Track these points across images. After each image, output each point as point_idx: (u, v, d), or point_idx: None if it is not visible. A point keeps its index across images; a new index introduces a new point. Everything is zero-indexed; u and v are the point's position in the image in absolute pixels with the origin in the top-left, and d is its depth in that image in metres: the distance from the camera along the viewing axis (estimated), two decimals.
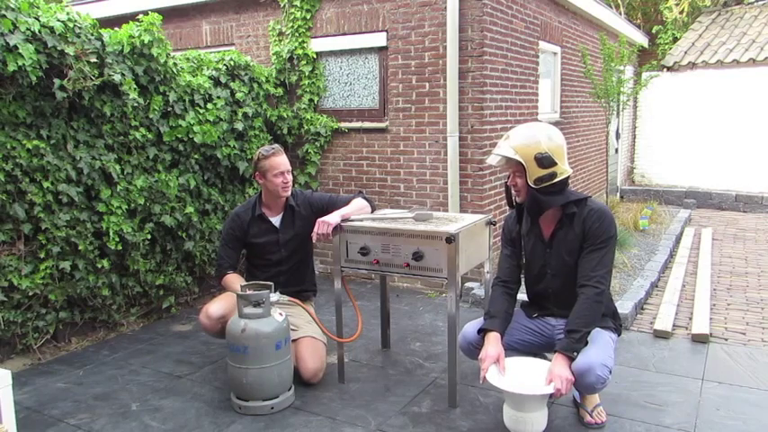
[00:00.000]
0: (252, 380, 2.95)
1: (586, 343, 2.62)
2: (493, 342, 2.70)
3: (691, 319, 4.27)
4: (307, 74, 5.51)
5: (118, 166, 4.01)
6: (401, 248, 3.01)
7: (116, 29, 4.06)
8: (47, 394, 3.31)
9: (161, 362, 3.74)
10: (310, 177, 5.63)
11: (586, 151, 8.09)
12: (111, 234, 3.93)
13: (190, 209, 4.50)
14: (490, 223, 3.33)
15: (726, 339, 3.94)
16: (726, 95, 9.75)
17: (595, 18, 7.67)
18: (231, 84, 4.96)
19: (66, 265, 3.76)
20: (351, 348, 3.83)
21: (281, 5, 5.55)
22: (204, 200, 4.77)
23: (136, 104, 4.06)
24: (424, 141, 5.12)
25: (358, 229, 3.13)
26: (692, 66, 10.21)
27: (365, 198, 3.46)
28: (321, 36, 5.46)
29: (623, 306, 4.22)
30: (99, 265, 3.94)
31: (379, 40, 5.20)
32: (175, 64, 4.45)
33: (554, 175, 2.65)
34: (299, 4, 5.42)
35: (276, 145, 3.49)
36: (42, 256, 3.68)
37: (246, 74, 5.13)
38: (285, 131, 5.55)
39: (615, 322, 2.87)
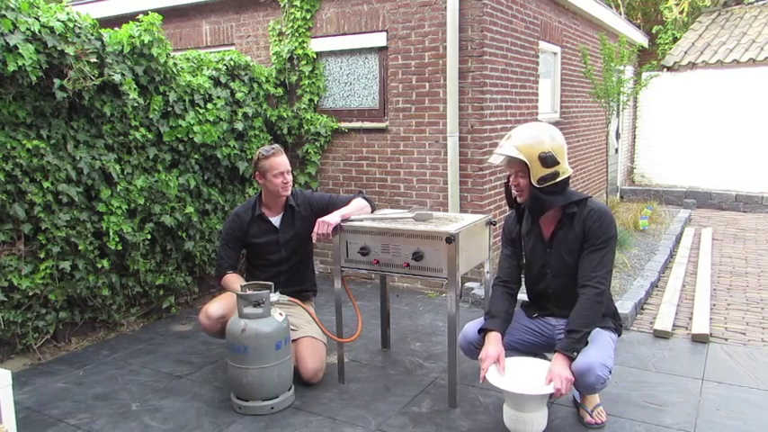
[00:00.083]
0: (252, 380, 2.95)
1: (587, 343, 2.62)
2: (493, 342, 2.70)
3: (691, 319, 4.27)
4: (307, 74, 5.51)
5: (118, 166, 4.01)
6: (401, 248, 3.01)
7: (116, 29, 4.06)
8: (47, 394, 3.31)
9: (161, 362, 3.74)
10: (310, 177, 5.63)
11: (586, 151, 8.09)
12: (111, 234, 3.93)
13: (190, 209, 4.50)
14: (490, 223, 3.33)
15: (726, 339, 3.94)
16: (726, 95, 9.74)
17: (595, 18, 7.67)
18: (231, 84, 4.96)
19: (66, 265, 3.76)
20: (351, 348, 3.83)
21: (281, 5, 5.55)
22: (204, 200, 4.77)
23: (136, 104, 4.06)
24: (424, 141, 5.12)
25: (358, 229, 3.13)
26: (692, 66, 10.21)
27: (365, 198, 3.46)
28: (321, 36, 5.46)
29: (623, 306, 4.22)
30: (99, 265, 3.94)
31: (379, 40, 5.20)
32: (175, 64, 4.45)
33: (557, 174, 2.66)
34: (299, 4, 5.42)
35: (276, 145, 3.49)
36: (42, 256, 3.68)
37: (246, 74, 5.13)
38: (285, 131, 5.55)
39: (615, 322, 2.87)
